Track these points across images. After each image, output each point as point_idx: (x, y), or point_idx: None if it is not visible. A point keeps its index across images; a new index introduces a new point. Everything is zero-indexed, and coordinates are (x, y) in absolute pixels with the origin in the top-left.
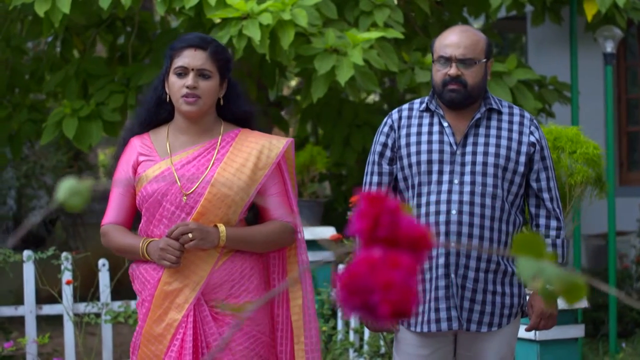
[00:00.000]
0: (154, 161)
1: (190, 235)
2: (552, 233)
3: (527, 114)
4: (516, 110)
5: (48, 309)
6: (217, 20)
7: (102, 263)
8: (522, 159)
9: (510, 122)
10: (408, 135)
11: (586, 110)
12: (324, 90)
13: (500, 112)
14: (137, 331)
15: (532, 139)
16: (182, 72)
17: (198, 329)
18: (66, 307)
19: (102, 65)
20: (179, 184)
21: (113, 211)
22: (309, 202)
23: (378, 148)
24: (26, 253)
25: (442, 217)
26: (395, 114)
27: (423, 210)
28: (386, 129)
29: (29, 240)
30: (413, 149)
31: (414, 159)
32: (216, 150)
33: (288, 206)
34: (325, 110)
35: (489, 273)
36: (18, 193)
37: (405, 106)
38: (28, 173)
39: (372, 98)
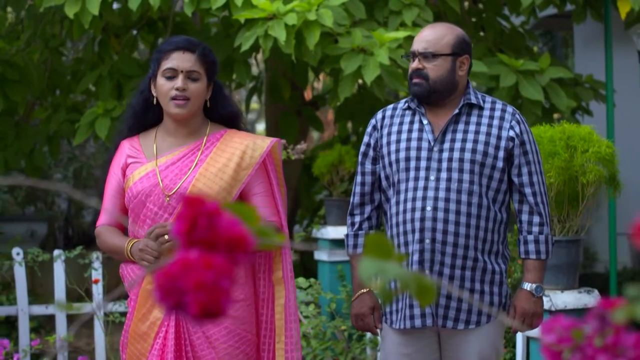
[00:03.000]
0: (141, 163)
1: (166, 236)
2: (535, 229)
3: (509, 108)
4: (498, 104)
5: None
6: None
7: None
8: (501, 154)
9: (491, 117)
10: (389, 134)
11: (624, 109)
12: (351, 90)
13: (481, 108)
14: (125, 329)
15: (512, 133)
16: (171, 75)
17: (181, 327)
18: (94, 306)
19: (136, 65)
20: (161, 185)
21: (106, 213)
22: (337, 201)
23: (362, 148)
24: (56, 252)
25: (417, 214)
26: (379, 113)
27: (401, 207)
28: (370, 129)
29: (79, 240)
30: (393, 147)
31: (393, 156)
32: (200, 151)
33: (273, 206)
34: (358, 109)
35: (466, 270)
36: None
37: (391, 106)
38: (76, 173)
39: None
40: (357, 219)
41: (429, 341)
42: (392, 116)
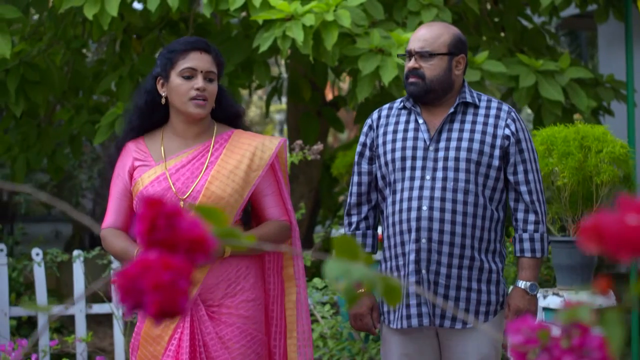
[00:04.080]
0: (149, 166)
1: None
2: (530, 227)
3: (505, 107)
4: (494, 103)
5: (98, 308)
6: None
7: None
8: (497, 152)
9: (487, 116)
10: (385, 133)
11: None
12: (369, 90)
13: (476, 106)
14: (136, 332)
15: (507, 131)
16: (190, 75)
17: (195, 329)
18: (113, 306)
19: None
20: (173, 189)
21: (111, 215)
22: None
23: (358, 148)
24: (75, 252)
25: (414, 214)
26: (375, 113)
27: (397, 207)
28: (366, 128)
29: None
30: (389, 146)
31: (389, 156)
32: (209, 153)
33: (282, 205)
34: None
35: (463, 269)
36: (95, 193)
37: (386, 105)
38: (101, 174)
39: None
40: (355, 219)
41: (428, 341)
42: (387, 116)
